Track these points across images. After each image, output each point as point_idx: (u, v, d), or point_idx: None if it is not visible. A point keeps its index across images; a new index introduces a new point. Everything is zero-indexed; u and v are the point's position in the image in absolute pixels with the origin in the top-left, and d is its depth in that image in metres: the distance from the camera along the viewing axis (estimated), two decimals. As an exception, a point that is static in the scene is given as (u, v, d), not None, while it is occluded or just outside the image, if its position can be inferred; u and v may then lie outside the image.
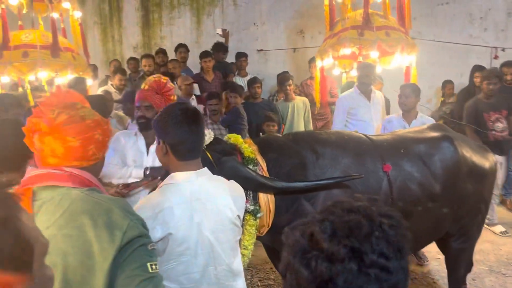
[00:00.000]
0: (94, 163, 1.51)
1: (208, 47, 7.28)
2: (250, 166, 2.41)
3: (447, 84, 6.82)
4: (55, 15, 4.98)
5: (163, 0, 8.45)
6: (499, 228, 5.03)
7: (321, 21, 6.36)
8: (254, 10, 8.13)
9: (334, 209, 0.80)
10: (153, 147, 2.90)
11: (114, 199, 1.45)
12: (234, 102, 5.09)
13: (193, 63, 7.01)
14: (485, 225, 4.02)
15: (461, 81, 6.76)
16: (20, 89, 5.12)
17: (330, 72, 5.95)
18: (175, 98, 3.00)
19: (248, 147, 2.50)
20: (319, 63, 5.56)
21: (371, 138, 2.87)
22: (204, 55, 6.20)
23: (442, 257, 3.50)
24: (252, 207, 2.39)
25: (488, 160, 3.02)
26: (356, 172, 2.59)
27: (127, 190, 2.70)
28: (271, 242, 2.80)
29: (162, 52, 6.68)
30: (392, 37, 5.05)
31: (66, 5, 5.00)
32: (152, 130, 2.92)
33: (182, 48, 6.64)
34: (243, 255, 2.31)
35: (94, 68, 6.53)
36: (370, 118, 4.67)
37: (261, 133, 5.14)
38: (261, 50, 8.14)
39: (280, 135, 4.84)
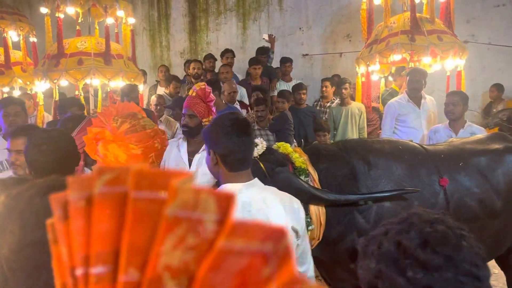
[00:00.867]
0: None
1: (253, 52, 7.31)
2: (302, 177, 2.37)
3: (494, 87, 6.51)
4: (110, 21, 5.16)
5: (210, 6, 8.58)
6: None
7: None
8: (300, 14, 8.09)
9: (413, 220, 0.83)
10: (198, 156, 2.93)
11: None
12: (281, 108, 5.07)
13: (238, 69, 7.06)
14: None
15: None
16: (77, 92, 5.33)
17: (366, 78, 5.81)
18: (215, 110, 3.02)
19: (299, 156, 2.46)
20: (361, 70, 5.43)
21: (426, 149, 2.75)
22: (253, 62, 6.20)
23: (498, 271, 3.31)
24: None
25: (554, 173, 2.82)
26: (410, 185, 2.50)
27: None
28: (319, 253, 2.75)
29: (211, 57, 6.76)
30: (444, 41, 4.88)
31: (120, 13, 5.17)
32: (196, 138, 2.96)
33: (229, 53, 6.69)
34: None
35: (144, 74, 6.70)
36: (420, 125, 4.53)
37: (302, 140, 5.09)
38: (307, 54, 8.09)
39: (331, 141, 4.78)
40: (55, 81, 4.91)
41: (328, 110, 5.85)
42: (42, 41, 5.30)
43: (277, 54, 7.12)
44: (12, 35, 5.76)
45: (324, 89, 6.14)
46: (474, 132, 3.83)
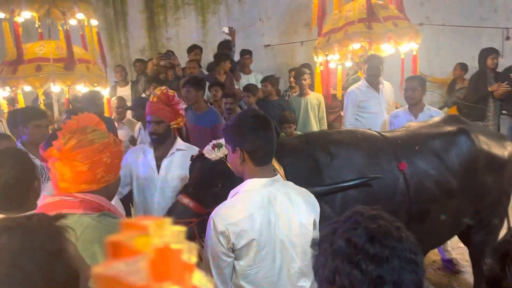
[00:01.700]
0: (105, 185, 1.54)
1: (214, 46, 7.27)
2: None
3: (458, 66, 6.70)
4: (72, 23, 5.00)
5: (167, 1, 8.44)
6: None
7: (328, 12, 6.30)
8: (259, 5, 8.08)
9: (357, 218, 0.92)
10: (166, 160, 2.89)
11: None
12: (247, 102, 5.05)
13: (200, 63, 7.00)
14: None
15: (473, 64, 6.62)
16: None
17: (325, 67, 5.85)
18: (183, 111, 2.97)
19: None
20: (319, 59, 5.46)
21: (384, 136, 2.83)
22: (224, 58, 6.15)
23: (463, 246, 3.47)
24: None
25: (506, 149, 2.96)
26: (372, 172, 2.56)
27: None
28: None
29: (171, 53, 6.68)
30: (400, 26, 4.98)
31: (79, 16, 5.00)
32: (163, 144, 2.92)
33: (197, 49, 6.59)
34: None
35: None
36: (381, 110, 4.64)
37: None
38: (268, 45, 8.10)
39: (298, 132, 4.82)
40: (13, 88, 4.73)
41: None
42: (2, 46, 5.09)
43: (238, 46, 7.08)
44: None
45: (291, 79, 6.15)
46: (432, 115, 3.94)
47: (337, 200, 2.53)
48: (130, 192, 3.02)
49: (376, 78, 4.62)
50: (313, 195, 1.98)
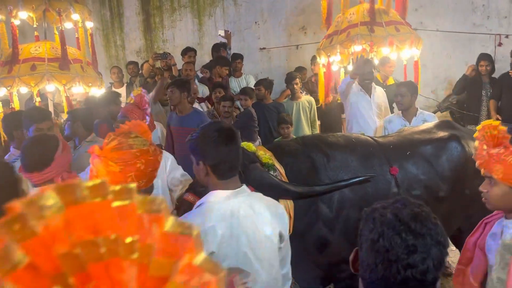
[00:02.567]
0: None
1: (210, 48, 7.30)
2: (271, 172, 2.45)
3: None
4: (68, 25, 5.01)
5: (164, 3, 8.46)
6: None
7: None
8: (255, 8, 8.13)
9: (406, 201, 1.14)
10: None
11: None
12: (244, 105, 5.11)
13: (196, 65, 7.02)
14: None
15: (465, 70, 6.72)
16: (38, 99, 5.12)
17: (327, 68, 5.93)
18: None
19: (264, 153, 2.55)
20: (322, 60, 5.55)
21: (377, 140, 2.89)
22: (221, 63, 6.22)
23: (455, 249, 3.53)
24: None
25: (496, 155, 3.01)
26: (365, 174, 2.63)
27: None
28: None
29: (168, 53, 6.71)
30: (401, 32, 5.10)
31: (75, 16, 5.03)
32: None
33: (191, 52, 6.63)
34: None
35: (100, 76, 6.56)
36: (371, 114, 4.72)
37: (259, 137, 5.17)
38: (264, 48, 8.15)
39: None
40: (8, 88, 4.75)
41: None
42: (-1, 47, 5.10)
43: (234, 49, 7.14)
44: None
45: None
46: (426, 119, 4.00)
47: (335, 200, 2.61)
48: None
49: (369, 83, 4.69)
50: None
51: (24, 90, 4.90)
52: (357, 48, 5.10)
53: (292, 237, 2.53)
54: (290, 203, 2.49)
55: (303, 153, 2.67)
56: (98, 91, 5.13)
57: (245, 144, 2.61)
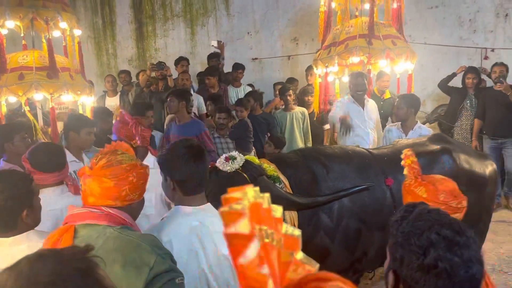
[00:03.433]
0: (129, 203, 1.65)
1: (203, 57, 7.36)
2: (277, 184, 2.51)
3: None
4: (56, 34, 5.01)
5: (156, 12, 8.51)
6: None
7: (314, 28, 6.47)
8: (248, 19, 8.22)
9: (430, 223, 1.20)
10: None
11: (143, 235, 1.61)
12: (240, 116, 5.14)
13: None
14: None
15: (453, 83, 6.88)
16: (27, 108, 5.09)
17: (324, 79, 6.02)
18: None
19: (268, 166, 2.61)
20: (319, 71, 5.62)
21: (372, 152, 2.97)
22: (209, 73, 6.26)
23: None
24: None
25: (487, 168, 3.11)
26: (362, 185, 2.70)
27: None
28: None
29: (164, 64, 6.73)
30: (398, 45, 5.22)
31: (63, 25, 5.02)
32: None
33: (183, 61, 6.67)
34: None
35: (91, 84, 6.53)
36: (365, 126, 4.79)
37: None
38: (256, 58, 8.23)
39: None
40: (-4, 97, 4.71)
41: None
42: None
43: (226, 59, 7.20)
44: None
45: (277, 93, 6.25)
46: (422, 133, 4.06)
47: (335, 210, 2.68)
48: None
49: (362, 94, 4.78)
50: None
51: (13, 99, 4.87)
52: (355, 59, 5.21)
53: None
54: (294, 214, 2.56)
55: (304, 165, 2.74)
56: (87, 99, 5.13)
57: (249, 157, 2.65)
